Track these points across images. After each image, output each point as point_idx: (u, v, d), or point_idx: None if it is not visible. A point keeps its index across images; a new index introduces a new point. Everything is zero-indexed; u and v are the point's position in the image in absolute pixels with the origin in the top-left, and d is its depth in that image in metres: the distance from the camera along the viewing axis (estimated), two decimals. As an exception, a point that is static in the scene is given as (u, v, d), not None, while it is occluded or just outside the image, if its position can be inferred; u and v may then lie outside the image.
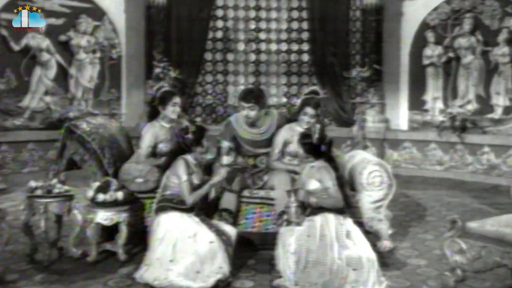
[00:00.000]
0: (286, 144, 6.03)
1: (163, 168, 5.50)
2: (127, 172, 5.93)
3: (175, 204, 5.18)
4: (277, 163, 6.02)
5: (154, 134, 6.07)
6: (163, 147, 6.05)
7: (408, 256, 5.84)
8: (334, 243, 4.81)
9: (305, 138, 5.31)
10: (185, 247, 4.94)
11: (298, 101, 6.21)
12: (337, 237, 4.86)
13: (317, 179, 5.14)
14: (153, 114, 6.29)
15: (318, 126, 5.37)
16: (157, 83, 10.85)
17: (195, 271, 4.85)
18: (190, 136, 5.32)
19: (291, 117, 6.36)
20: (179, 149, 5.42)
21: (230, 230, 5.25)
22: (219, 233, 5.10)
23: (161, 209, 5.22)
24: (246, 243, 5.80)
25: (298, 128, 5.92)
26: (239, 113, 6.25)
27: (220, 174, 5.43)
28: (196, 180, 5.32)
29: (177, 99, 6.18)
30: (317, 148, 5.19)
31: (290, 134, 6.01)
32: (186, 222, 5.09)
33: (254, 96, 6.08)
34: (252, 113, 6.03)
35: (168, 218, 5.11)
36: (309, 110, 5.92)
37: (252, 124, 6.12)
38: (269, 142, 6.16)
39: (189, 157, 5.38)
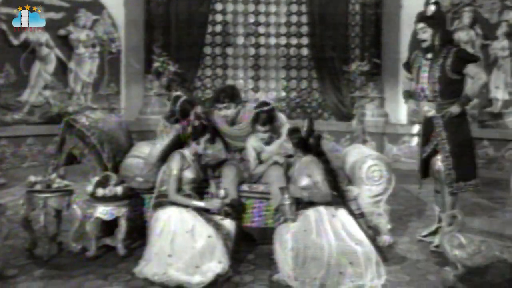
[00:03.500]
0: (258, 152, 6.04)
1: (161, 160, 5.55)
2: (128, 169, 5.93)
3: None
4: (259, 168, 5.99)
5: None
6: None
7: (407, 251, 5.84)
8: (330, 237, 4.83)
9: (293, 132, 5.38)
10: (184, 242, 4.95)
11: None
12: (333, 230, 4.89)
13: (306, 175, 5.17)
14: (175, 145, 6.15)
15: (306, 120, 5.47)
16: (157, 78, 10.95)
17: (194, 265, 4.85)
18: (189, 129, 5.35)
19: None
20: (176, 141, 5.46)
21: (229, 224, 5.24)
22: (218, 227, 5.10)
23: (158, 204, 5.24)
24: (246, 238, 5.81)
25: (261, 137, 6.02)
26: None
27: (212, 205, 5.34)
28: (191, 174, 5.38)
29: (198, 109, 5.82)
30: (305, 142, 5.25)
31: (257, 143, 6.04)
32: (184, 217, 5.10)
33: (227, 95, 6.06)
34: (229, 112, 6.02)
35: (166, 213, 5.13)
36: (259, 127, 5.92)
37: (232, 122, 6.12)
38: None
39: (186, 151, 5.41)
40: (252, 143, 6.04)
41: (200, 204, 5.29)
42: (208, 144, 5.50)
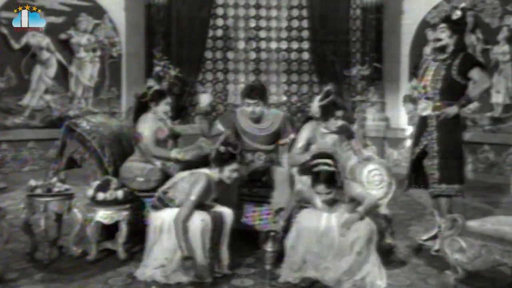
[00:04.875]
0: (309, 143, 6.00)
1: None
2: (128, 170, 5.93)
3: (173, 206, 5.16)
4: (299, 156, 5.82)
5: (154, 121, 6.08)
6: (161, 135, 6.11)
7: (408, 255, 5.84)
8: (333, 238, 4.84)
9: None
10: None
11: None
12: (331, 228, 4.90)
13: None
14: (140, 109, 6.27)
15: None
16: (158, 82, 10.93)
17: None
18: (214, 154, 5.22)
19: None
20: (205, 159, 5.39)
21: (228, 213, 5.24)
22: (215, 214, 5.13)
23: (157, 208, 5.22)
24: (246, 241, 5.82)
25: (323, 130, 5.88)
26: (243, 108, 6.22)
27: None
28: (206, 200, 5.21)
29: (169, 100, 6.24)
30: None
31: (313, 134, 5.93)
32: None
33: (258, 92, 6.07)
34: (258, 109, 6.01)
35: (163, 213, 5.13)
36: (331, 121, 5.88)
37: (257, 120, 6.11)
38: (268, 139, 6.14)
39: (213, 174, 5.19)
40: (307, 132, 5.99)
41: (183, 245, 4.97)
42: (233, 174, 5.20)
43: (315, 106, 5.92)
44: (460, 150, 6.02)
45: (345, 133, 6.00)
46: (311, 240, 4.88)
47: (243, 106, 6.18)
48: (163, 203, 5.18)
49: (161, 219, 5.10)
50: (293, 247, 4.96)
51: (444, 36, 5.93)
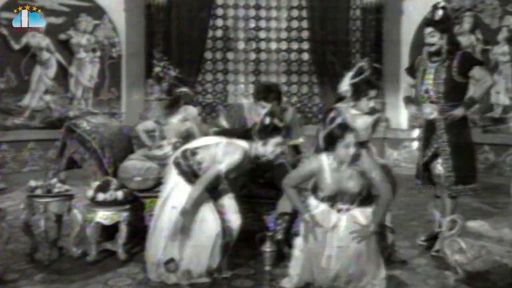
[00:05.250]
0: None
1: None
2: (126, 170, 5.93)
3: (191, 176, 4.93)
4: None
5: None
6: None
7: (408, 255, 5.84)
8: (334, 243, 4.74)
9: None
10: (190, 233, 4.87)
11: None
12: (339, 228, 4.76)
13: None
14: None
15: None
16: (157, 82, 10.92)
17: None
18: (258, 126, 5.02)
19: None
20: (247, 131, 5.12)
21: (235, 220, 5.08)
22: (225, 222, 4.98)
23: (179, 166, 4.97)
24: (246, 242, 5.81)
25: (353, 111, 5.47)
26: (253, 108, 6.08)
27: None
28: (231, 175, 4.99)
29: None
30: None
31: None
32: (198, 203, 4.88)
33: (276, 96, 5.95)
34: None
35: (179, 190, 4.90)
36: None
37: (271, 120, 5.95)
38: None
39: (251, 148, 4.97)
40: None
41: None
42: (277, 148, 5.00)
43: (345, 84, 5.54)
44: (471, 149, 6.03)
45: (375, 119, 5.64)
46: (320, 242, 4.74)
47: (256, 107, 6.00)
48: (188, 164, 4.95)
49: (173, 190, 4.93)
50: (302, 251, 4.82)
51: (435, 40, 5.90)
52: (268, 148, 4.92)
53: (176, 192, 4.90)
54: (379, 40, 11.59)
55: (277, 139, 4.94)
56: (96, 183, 5.62)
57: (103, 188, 5.56)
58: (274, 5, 12.41)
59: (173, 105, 6.48)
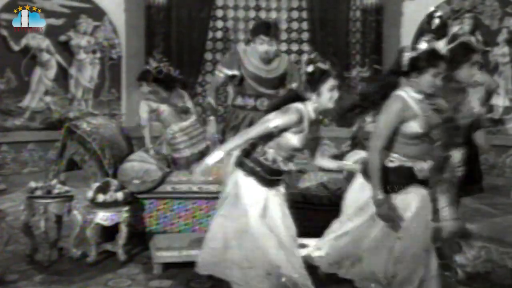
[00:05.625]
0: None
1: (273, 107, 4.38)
2: (124, 173, 5.94)
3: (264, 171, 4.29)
4: None
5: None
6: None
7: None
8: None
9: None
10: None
11: None
12: None
13: None
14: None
15: None
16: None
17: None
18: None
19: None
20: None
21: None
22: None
23: (241, 165, 4.35)
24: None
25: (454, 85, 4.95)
26: (250, 46, 6.01)
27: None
28: (297, 140, 4.26)
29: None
30: None
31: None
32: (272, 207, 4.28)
33: (274, 30, 5.80)
34: (272, 49, 5.76)
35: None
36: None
37: (269, 61, 5.84)
38: (274, 83, 5.92)
39: (309, 107, 4.31)
40: None
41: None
42: (334, 93, 4.29)
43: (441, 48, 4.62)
44: (476, 151, 6.03)
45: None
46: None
47: (253, 44, 5.85)
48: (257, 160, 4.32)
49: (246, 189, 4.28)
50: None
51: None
52: (324, 97, 4.24)
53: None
54: (379, 41, 11.58)
55: (329, 83, 4.28)
56: (96, 184, 5.63)
57: (103, 189, 5.56)
58: (274, 7, 12.39)
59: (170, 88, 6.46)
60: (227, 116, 6.14)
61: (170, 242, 5.46)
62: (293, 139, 4.21)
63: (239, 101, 5.95)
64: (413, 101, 4.06)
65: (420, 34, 6.12)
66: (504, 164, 10.36)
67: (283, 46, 12.26)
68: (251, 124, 5.67)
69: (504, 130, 10.52)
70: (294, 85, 6.00)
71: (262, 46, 5.76)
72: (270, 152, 4.27)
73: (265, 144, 4.28)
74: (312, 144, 4.46)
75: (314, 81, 4.26)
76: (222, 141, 5.81)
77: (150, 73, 6.41)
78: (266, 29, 5.83)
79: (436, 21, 5.88)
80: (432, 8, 6.01)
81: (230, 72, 5.81)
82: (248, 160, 4.29)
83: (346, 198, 4.39)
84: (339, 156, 5.71)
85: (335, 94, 4.27)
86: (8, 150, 10.30)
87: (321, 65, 4.33)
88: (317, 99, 4.25)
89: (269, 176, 4.26)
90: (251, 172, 4.25)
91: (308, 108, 4.25)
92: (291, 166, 4.40)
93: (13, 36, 10.31)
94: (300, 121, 4.17)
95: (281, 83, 5.95)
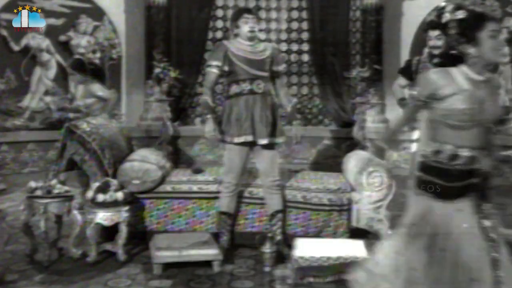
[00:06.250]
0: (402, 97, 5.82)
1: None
2: (124, 173, 5.94)
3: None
4: None
5: None
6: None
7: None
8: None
9: None
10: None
11: None
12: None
13: None
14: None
15: None
16: (158, 84, 10.92)
17: None
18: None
19: None
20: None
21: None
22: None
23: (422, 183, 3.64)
24: (246, 243, 5.82)
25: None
26: (234, 33, 5.94)
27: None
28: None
29: None
30: None
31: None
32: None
33: (254, 10, 5.88)
34: (257, 27, 5.77)
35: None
36: None
37: (252, 39, 5.79)
38: (264, 65, 5.82)
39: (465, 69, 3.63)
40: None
41: None
42: (497, 34, 3.65)
43: None
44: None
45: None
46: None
47: (237, 29, 5.84)
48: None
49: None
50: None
51: (441, 43, 5.85)
52: (486, 46, 3.65)
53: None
54: (379, 41, 11.58)
55: (490, 26, 3.72)
56: (96, 184, 5.63)
57: (103, 189, 5.56)
58: (274, 6, 12.40)
59: None
60: (223, 110, 5.97)
61: (170, 242, 5.46)
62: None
63: (234, 88, 5.82)
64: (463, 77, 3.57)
65: (429, 27, 6.07)
66: (504, 164, 10.36)
67: (283, 46, 12.29)
68: (252, 110, 5.66)
69: (504, 130, 10.52)
70: (281, 67, 6.02)
71: (247, 24, 5.74)
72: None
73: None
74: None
75: (469, 29, 3.57)
76: (221, 139, 5.77)
77: None
78: (247, 9, 5.99)
79: (447, 15, 5.86)
80: (443, 3, 5.99)
81: (220, 63, 5.74)
82: None
83: None
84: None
85: (501, 43, 3.56)
86: (8, 150, 10.30)
87: (476, 8, 3.62)
88: (477, 52, 3.54)
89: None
90: None
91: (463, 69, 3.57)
92: None
93: (13, 36, 10.32)
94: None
95: (269, 67, 5.90)
